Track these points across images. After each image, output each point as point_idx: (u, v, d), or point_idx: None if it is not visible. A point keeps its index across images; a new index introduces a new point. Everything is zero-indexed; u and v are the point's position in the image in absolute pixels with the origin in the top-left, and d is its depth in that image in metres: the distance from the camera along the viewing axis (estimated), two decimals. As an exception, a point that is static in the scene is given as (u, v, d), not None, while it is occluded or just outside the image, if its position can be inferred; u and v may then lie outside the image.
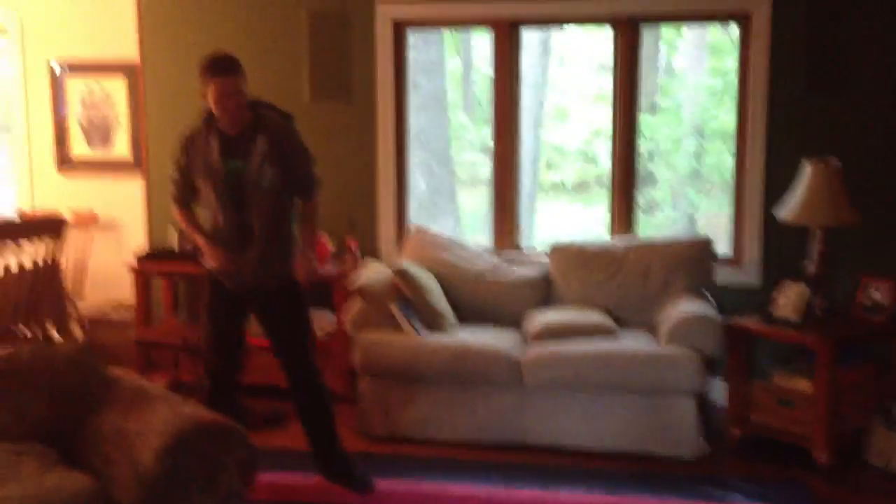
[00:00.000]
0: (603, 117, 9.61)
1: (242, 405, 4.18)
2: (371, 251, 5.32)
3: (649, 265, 4.76)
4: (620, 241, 4.96)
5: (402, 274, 4.63)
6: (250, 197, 3.68)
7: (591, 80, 10.35)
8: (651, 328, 4.62)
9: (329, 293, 5.01)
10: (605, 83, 9.82)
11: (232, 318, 3.87)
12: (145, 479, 2.62)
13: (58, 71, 5.88)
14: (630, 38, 5.07)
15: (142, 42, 5.66)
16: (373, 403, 4.53)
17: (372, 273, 4.80)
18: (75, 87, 5.89)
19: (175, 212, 3.91)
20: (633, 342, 4.40)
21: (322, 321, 5.08)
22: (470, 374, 4.37)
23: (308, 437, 3.96)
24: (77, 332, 5.45)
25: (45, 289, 4.61)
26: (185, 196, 3.84)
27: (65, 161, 5.99)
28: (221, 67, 3.60)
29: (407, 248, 5.08)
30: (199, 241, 3.84)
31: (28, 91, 5.96)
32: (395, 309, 4.55)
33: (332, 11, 5.29)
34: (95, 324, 5.74)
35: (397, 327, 4.55)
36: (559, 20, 5.32)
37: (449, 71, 9.48)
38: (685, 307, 4.42)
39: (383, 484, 3.95)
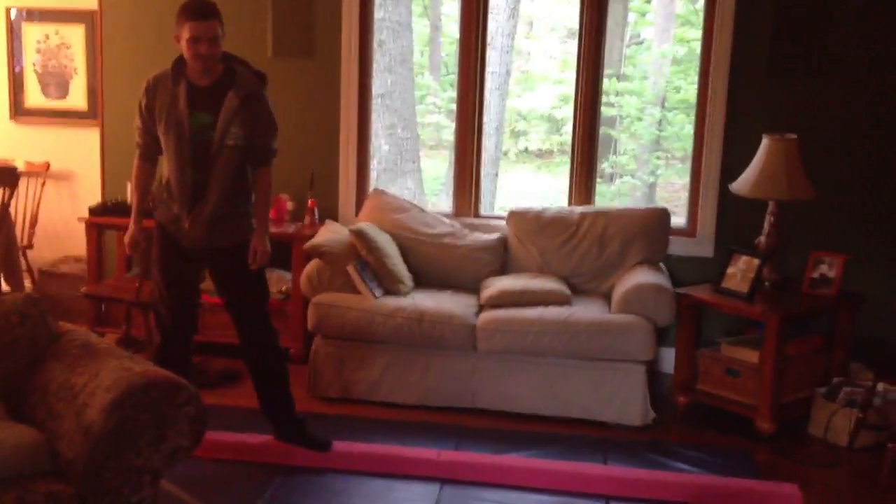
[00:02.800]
0: (570, 85, 9.61)
1: (194, 362, 4.17)
2: (331, 212, 5.29)
3: (605, 233, 4.80)
4: (577, 208, 4.98)
5: (359, 234, 4.62)
6: (212, 153, 3.60)
7: (559, 47, 10.32)
8: (606, 296, 4.67)
9: (286, 253, 4.98)
10: (573, 50, 9.81)
11: (184, 272, 3.83)
12: (92, 433, 2.60)
13: (13, 16, 5.74)
14: (597, 2, 5.05)
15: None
16: (326, 364, 4.53)
17: (329, 233, 4.78)
18: (31, 34, 5.77)
19: (134, 163, 3.83)
20: (585, 310, 4.44)
21: (278, 281, 5.07)
22: (424, 337, 4.39)
23: (261, 397, 3.95)
24: (27, 283, 5.38)
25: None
26: (151, 146, 3.74)
27: (19, 110, 5.87)
28: (199, 10, 3.52)
29: (365, 210, 5.07)
30: (134, 203, 3.80)
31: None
32: (351, 270, 4.55)
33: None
34: (46, 276, 5.68)
35: (353, 289, 4.55)
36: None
37: (416, 32, 9.40)
38: (639, 276, 4.47)
39: (336, 445, 3.96)
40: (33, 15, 5.73)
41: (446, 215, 5.21)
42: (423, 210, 5.10)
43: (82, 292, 4.84)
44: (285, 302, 5.01)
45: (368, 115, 5.38)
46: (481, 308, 4.54)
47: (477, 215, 5.33)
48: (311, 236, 4.78)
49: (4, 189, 4.51)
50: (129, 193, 5.29)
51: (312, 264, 4.63)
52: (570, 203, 5.20)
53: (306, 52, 5.28)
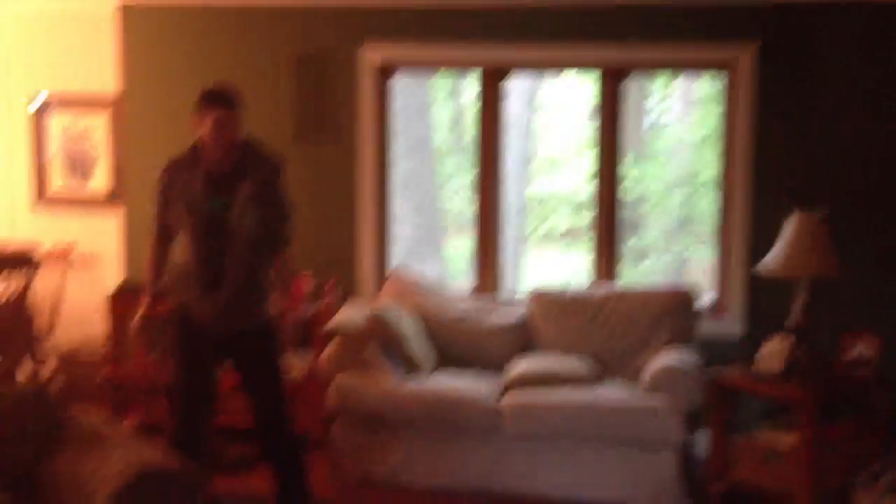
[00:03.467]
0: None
1: (211, 448, 4.07)
2: (351, 293, 5.22)
3: (630, 314, 4.67)
4: (600, 288, 4.87)
5: (378, 319, 4.53)
6: (228, 238, 3.59)
7: (581, 128, 10.37)
8: (633, 377, 4.53)
9: (306, 334, 4.90)
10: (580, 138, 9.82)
11: (201, 356, 3.76)
12: (96, 524, 2.51)
13: (36, 105, 5.82)
14: (614, 84, 5.04)
15: (123, 76, 5.60)
16: (346, 448, 4.41)
17: (350, 314, 4.70)
18: (55, 122, 5.82)
19: (149, 244, 3.81)
20: (612, 392, 4.31)
21: (298, 363, 4.98)
22: (447, 421, 4.27)
23: (276, 484, 3.83)
24: (47, 369, 5.34)
25: (12, 325, 4.50)
26: (166, 229, 3.73)
27: (42, 196, 5.90)
28: (222, 98, 3.56)
29: (386, 291, 4.99)
30: (147, 286, 3.77)
31: (5, 125, 5.89)
32: (370, 352, 4.45)
33: (317, 53, 5.25)
34: (67, 361, 5.62)
35: (374, 371, 4.45)
36: (548, 65, 5.29)
37: (437, 116, 9.48)
38: (666, 357, 4.33)
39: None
40: (55, 102, 5.79)
41: (467, 295, 5.12)
42: (444, 290, 5.02)
43: (100, 377, 4.77)
44: (304, 383, 4.90)
45: (387, 197, 5.35)
46: (506, 389, 4.41)
47: (498, 294, 5.23)
48: (332, 316, 4.70)
49: (23, 274, 4.48)
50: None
51: (333, 344, 4.54)
52: (593, 282, 5.10)
53: (326, 136, 5.29)
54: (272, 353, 3.76)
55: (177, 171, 3.66)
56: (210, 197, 3.59)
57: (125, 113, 5.62)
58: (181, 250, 3.68)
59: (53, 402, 3.03)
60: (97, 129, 5.76)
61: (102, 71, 5.66)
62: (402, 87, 7.16)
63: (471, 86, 9.72)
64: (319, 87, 5.26)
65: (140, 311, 3.80)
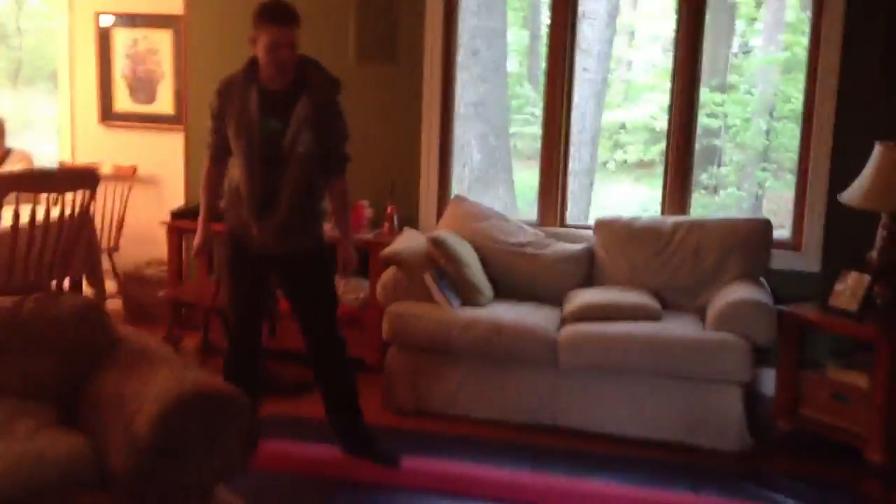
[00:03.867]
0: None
1: (266, 370, 4.06)
2: (411, 220, 5.12)
3: (700, 245, 4.48)
4: (670, 218, 4.68)
5: (437, 243, 4.43)
6: (283, 160, 3.49)
7: (661, 57, 9.97)
8: (700, 313, 4.35)
9: (364, 260, 4.83)
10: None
11: (255, 279, 3.73)
12: (138, 446, 2.47)
13: (105, 22, 5.78)
14: (695, 6, 4.76)
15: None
16: (400, 376, 4.35)
17: (408, 241, 4.61)
18: (121, 40, 5.79)
19: (204, 165, 3.75)
20: (677, 326, 4.14)
21: (355, 289, 4.93)
22: (503, 351, 4.17)
23: (328, 408, 3.81)
24: (110, 286, 5.39)
25: (74, 242, 4.51)
26: (221, 149, 3.65)
27: (108, 114, 5.90)
28: (280, 15, 3.41)
29: (445, 218, 4.88)
30: (203, 209, 3.72)
31: (74, 42, 5.88)
32: (428, 278, 4.36)
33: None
34: (130, 279, 5.68)
35: (430, 298, 4.36)
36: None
37: (512, 41, 9.21)
38: (737, 292, 4.15)
39: (407, 461, 3.78)
40: (122, 20, 5.75)
41: (531, 224, 4.97)
42: (505, 218, 4.88)
43: (160, 296, 4.79)
44: (361, 310, 4.85)
45: (451, 123, 5.20)
46: (564, 322, 4.28)
47: (563, 225, 5.08)
48: (390, 244, 4.62)
49: (85, 191, 4.49)
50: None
51: (389, 272, 4.47)
52: (662, 213, 4.91)
53: (390, 58, 5.14)
54: (325, 277, 3.70)
55: (231, 90, 3.56)
56: (265, 117, 3.49)
57: (188, 32, 5.54)
58: (235, 172, 3.61)
59: (108, 319, 3.00)
60: (162, 49, 5.72)
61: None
62: (477, 7, 6.95)
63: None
64: (384, 3, 5.09)
65: (197, 234, 3.76)
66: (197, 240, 3.76)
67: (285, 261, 3.66)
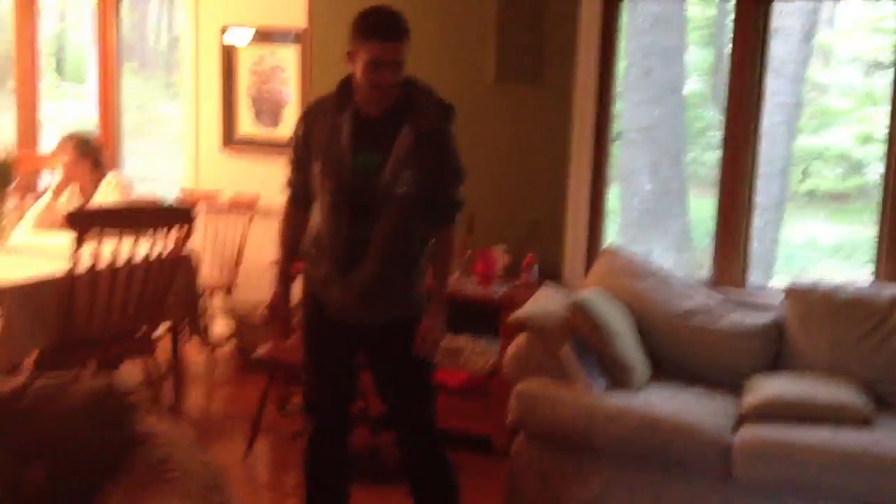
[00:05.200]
0: (870, 123, 8.05)
1: (373, 446, 3.34)
2: (553, 272, 4.26)
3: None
4: (888, 289, 3.61)
5: (579, 308, 3.55)
6: (378, 203, 2.79)
7: (861, 81, 8.77)
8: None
9: (494, 318, 4.03)
10: (879, 83, 8.23)
11: (333, 349, 3.01)
12: None
13: (234, 38, 5.25)
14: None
15: (311, 7, 4.91)
16: (529, 470, 3.51)
17: (544, 301, 3.77)
18: (246, 57, 5.26)
19: (284, 209, 3.07)
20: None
21: (484, 352, 4.14)
22: (658, 453, 3.25)
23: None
24: (223, 329, 4.85)
25: (166, 285, 3.97)
26: (305, 190, 2.96)
27: (231, 138, 5.38)
28: (384, 27, 2.72)
29: (594, 274, 3.98)
30: (280, 262, 3.04)
31: (199, 59, 5.40)
32: (566, 353, 3.49)
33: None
34: (243, 325, 5.13)
35: (568, 377, 3.50)
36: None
37: (693, 60, 8.33)
38: None
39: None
40: (248, 35, 5.22)
41: (701, 284, 4.02)
42: (670, 277, 3.94)
43: (255, 357, 4.17)
44: (489, 378, 4.06)
45: (606, 153, 4.31)
46: (742, 419, 3.31)
47: (743, 286, 4.08)
48: (524, 301, 3.80)
49: (180, 229, 3.94)
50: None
51: (519, 340, 3.64)
52: (877, 276, 3.84)
53: (534, 77, 4.31)
54: (423, 358, 2.93)
55: (320, 116, 2.89)
56: (358, 150, 2.80)
57: (313, 47, 4.95)
58: (316, 217, 2.91)
59: (130, 411, 2.33)
60: (288, 67, 5.14)
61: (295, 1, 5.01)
62: (651, 23, 6.14)
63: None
64: (530, 14, 4.28)
65: (272, 295, 3.09)
66: (270, 299, 3.09)
67: (369, 332, 2.93)
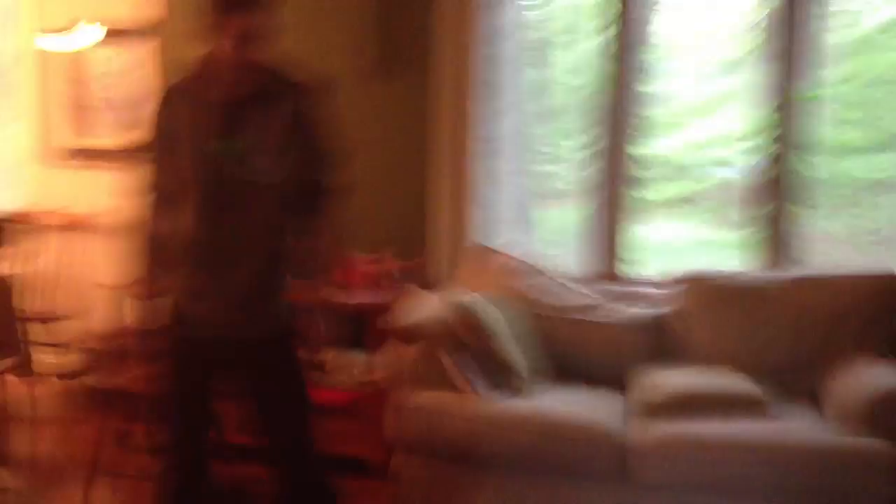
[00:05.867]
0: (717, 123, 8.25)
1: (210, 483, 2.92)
2: (422, 279, 4.00)
3: (817, 308, 3.37)
4: (778, 274, 3.56)
5: (460, 311, 3.30)
6: (247, 195, 2.46)
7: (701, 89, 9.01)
8: (811, 399, 3.23)
9: (362, 329, 3.72)
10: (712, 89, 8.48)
11: (202, 369, 2.61)
12: None
13: (70, 39, 4.73)
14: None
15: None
16: (412, 490, 3.22)
17: (420, 307, 3.49)
18: (94, 58, 4.72)
19: (147, 210, 2.59)
20: (796, 426, 3.00)
21: (348, 365, 3.82)
22: (552, 458, 3.04)
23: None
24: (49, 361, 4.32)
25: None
26: (170, 183, 2.54)
27: (67, 149, 4.85)
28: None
29: (467, 273, 3.75)
30: (140, 280, 2.60)
31: (34, 64, 4.84)
32: (447, 360, 3.23)
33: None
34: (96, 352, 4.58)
35: (452, 386, 3.23)
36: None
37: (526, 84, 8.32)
38: (877, 375, 3.02)
39: None
40: (94, 36, 4.72)
41: (577, 278, 3.86)
42: (545, 272, 3.76)
43: (84, 385, 3.69)
44: (360, 395, 3.74)
45: (469, 144, 4.10)
46: (634, 415, 3.15)
47: (615, 279, 3.95)
48: (390, 307, 3.51)
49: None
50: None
51: (397, 349, 3.34)
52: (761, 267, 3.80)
53: (399, 70, 4.07)
54: (299, 373, 2.62)
55: (178, 102, 2.51)
56: (221, 136, 2.44)
57: (166, 45, 4.49)
58: (180, 220, 2.52)
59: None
60: (143, 66, 4.64)
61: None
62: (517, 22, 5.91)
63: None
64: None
65: (138, 322, 2.66)
66: (140, 324, 2.66)
67: (246, 349, 2.56)
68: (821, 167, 3.83)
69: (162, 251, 2.59)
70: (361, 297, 3.80)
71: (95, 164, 4.75)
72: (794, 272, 3.59)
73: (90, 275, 4.65)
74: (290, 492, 2.65)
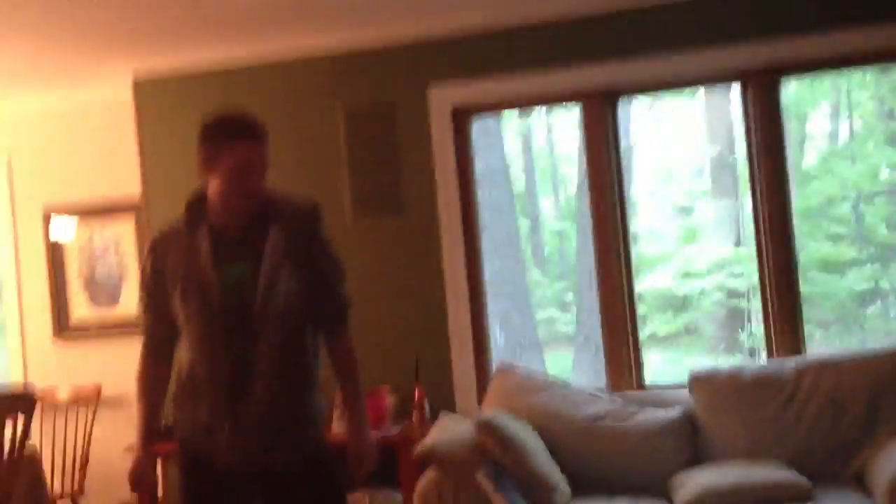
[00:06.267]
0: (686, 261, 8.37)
1: None
2: (445, 404, 3.99)
3: (838, 391, 3.35)
4: (789, 362, 3.57)
5: (488, 427, 3.28)
6: (256, 318, 2.40)
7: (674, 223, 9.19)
8: (858, 482, 3.17)
9: (391, 464, 3.67)
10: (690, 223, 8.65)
11: None
12: None
13: (56, 219, 4.89)
14: (767, 95, 3.88)
15: (145, 176, 4.60)
16: None
17: (447, 430, 3.47)
18: (75, 237, 4.87)
19: (139, 360, 2.58)
20: (845, 506, 2.95)
21: (384, 504, 3.75)
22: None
23: None
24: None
25: (9, 486, 3.40)
26: (161, 336, 2.53)
27: (63, 326, 4.90)
28: (247, 128, 2.42)
29: (491, 395, 3.75)
30: (140, 420, 2.56)
31: (19, 244, 4.96)
32: (482, 479, 3.18)
33: (374, 105, 4.22)
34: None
35: (488, 504, 3.17)
36: (671, 85, 4.18)
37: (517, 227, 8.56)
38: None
39: None
40: (75, 214, 4.87)
41: (599, 391, 3.85)
42: (566, 386, 3.76)
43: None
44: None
45: (479, 274, 4.20)
46: (681, 519, 3.08)
47: (640, 387, 3.95)
48: (422, 438, 3.48)
49: (18, 419, 3.41)
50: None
51: (428, 477, 3.30)
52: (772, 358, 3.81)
53: (394, 207, 4.20)
54: (333, 499, 2.52)
55: (171, 243, 2.50)
56: (222, 264, 2.43)
57: (149, 216, 4.62)
58: (185, 355, 2.48)
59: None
60: (124, 241, 4.80)
61: (127, 174, 4.71)
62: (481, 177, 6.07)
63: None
64: (379, 146, 4.20)
65: (133, 458, 2.57)
66: (132, 465, 2.55)
67: (271, 478, 2.47)
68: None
69: (155, 398, 2.56)
70: (390, 430, 3.78)
71: (99, 336, 4.83)
72: (820, 356, 3.60)
73: (108, 450, 4.62)
74: None
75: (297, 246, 2.44)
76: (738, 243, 8.12)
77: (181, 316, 2.44)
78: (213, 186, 2.42)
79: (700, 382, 3.57)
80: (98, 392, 4.68)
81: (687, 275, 8.67)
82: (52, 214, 4.90)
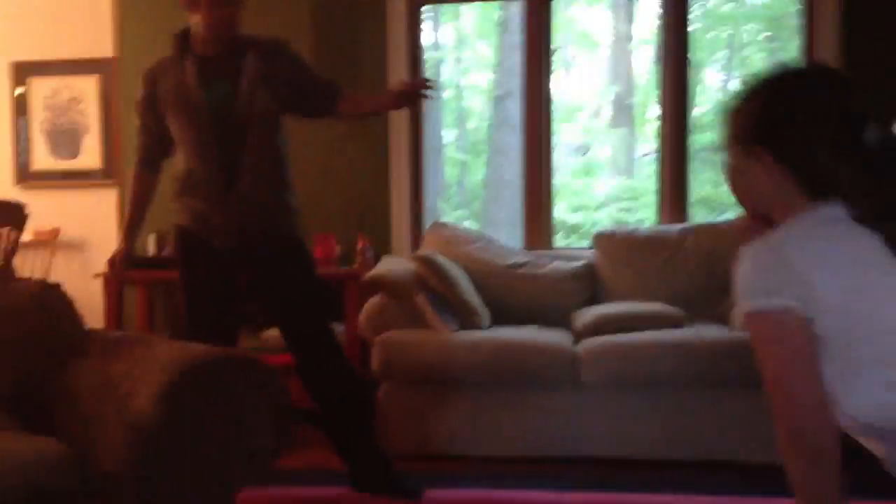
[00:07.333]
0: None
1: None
2: (384, 253, 4.61)
3: (713, 250, 4.11)
4: (675, 227, 4.33)
5: (426, 261, 3.93)
6: (239, 127, 2.98)
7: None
8: (722, 320, 3.94)
9: (337, 300, 4.27)
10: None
11: (218, 283, 3.11)
12: (140, 428, 1.86)
13: (17, 71, 5.22)
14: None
15: (118, 34, 5.03)
16: (397, 416, 3.76)
17: (390, 265, 4.10)
18: (38, 90, 5.22)
19: (132, 171, 3.22)
20: (706, 330, 3.72)
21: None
22: (516, 372, 3.65)
23: (332, 436, 3.19)
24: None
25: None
26: (154, 148, 3.14)
27: (25, 175, 5.27)
28: None
29: (426, 244, 4.39)
30: (127, 217, 3.21)
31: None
32: (421, 301, 3.84)
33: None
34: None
35: (422, 325, 3.83)
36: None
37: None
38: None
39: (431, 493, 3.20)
40: (39, 68, 5.20)
41: (518, 248, 4.54)
42: (492, 241, 4.43)
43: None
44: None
45: (422, 144, 4.77)
46: (579, 337, 3.81)
47: (551, 247, 4.66)
48: (367, 274, 4.09)
49: (8, 232, 3.82)
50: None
51: (374, 300, 3.92)
52: (659, 221, 4.56)
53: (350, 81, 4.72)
54: (307, 274, 3.14)
55: (160, 74, 3.07)
56: (207, 84, 2.99)
57: (121, 76, 5.02)
58: (182, 160, 3.08)
59: (73, 307, 2.39)
60: (87, 98, 5.17)
61: (93, 31, 5.09)
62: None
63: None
64: (341, 31, 4.71)
65: (118, 245, 3.22)
66: (113, 254, 3.20)
67: (255, 254, 3.08)
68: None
69: (142, 204, 3.18)
70: (336, 270, 4.37)
71: (59, 186, 5.20)
72: (699, 224, 4.35)
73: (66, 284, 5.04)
74: (321, 390, 3.12)
75: (273, 66, 3.00)
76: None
77: (176, 131, 3.02)
78: (196, 19, 2.96)
79: (601, 239, 4.30)
80: (56, 234, 5.11)
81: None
82: (18, 67, 5.22)
